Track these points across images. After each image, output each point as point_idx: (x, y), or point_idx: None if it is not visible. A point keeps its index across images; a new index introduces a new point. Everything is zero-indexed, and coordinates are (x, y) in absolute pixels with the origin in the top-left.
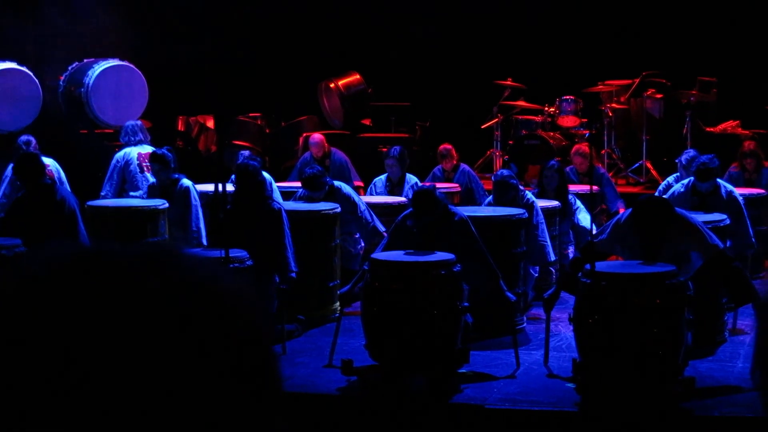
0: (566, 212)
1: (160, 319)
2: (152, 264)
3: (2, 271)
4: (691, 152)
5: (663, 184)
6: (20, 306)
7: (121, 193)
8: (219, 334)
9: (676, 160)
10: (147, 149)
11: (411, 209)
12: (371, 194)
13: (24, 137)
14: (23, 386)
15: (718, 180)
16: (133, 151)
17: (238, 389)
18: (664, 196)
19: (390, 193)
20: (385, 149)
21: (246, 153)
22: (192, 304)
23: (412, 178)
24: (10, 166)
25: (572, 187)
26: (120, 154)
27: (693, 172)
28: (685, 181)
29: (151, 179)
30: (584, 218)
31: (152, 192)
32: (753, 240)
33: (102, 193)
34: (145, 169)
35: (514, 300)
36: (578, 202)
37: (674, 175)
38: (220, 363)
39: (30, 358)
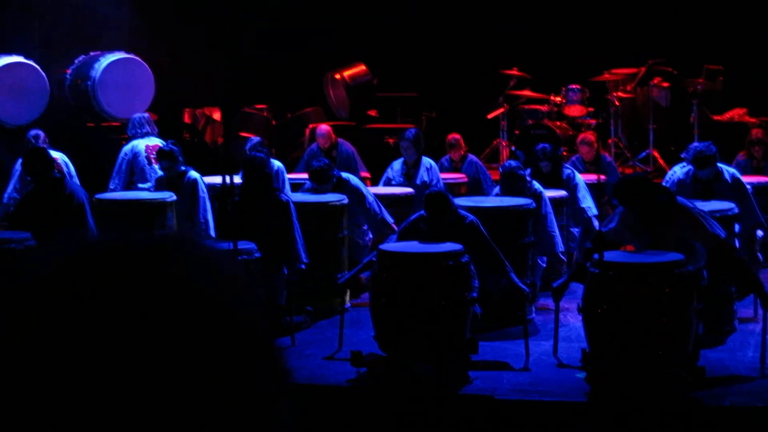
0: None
1: (171, 312)
2: (162, 254)
3: (20, 264)
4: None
5: (669, 173)
6: (37, 299)
7: (129, 185)
8: (229, 323)
9: (681, 155)
10: (154, 141)
11: (423, 212)
12: (388, 177)
13: (33, 131)
14: (43, 380)
15: (720, 165)
16: (141, 144)
17: (245, 380)
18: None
19: (406, 176)
20: (391, 140)
21: (256, 140)
22: (204, 293)
23: (427, 161)
24: (20, 160)
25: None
26: (127, 147)
27: (691, 160)
28: (686, 169)
29: (159, 172)
30: (583, 197)
31: (160, 184)
32: (762, 219)
33: (111, 186)
34: (152, 161)
35: (527, 291)
36: (578, 177)
37: (680, 164)
38: (230, 354)
39: (47, 353)
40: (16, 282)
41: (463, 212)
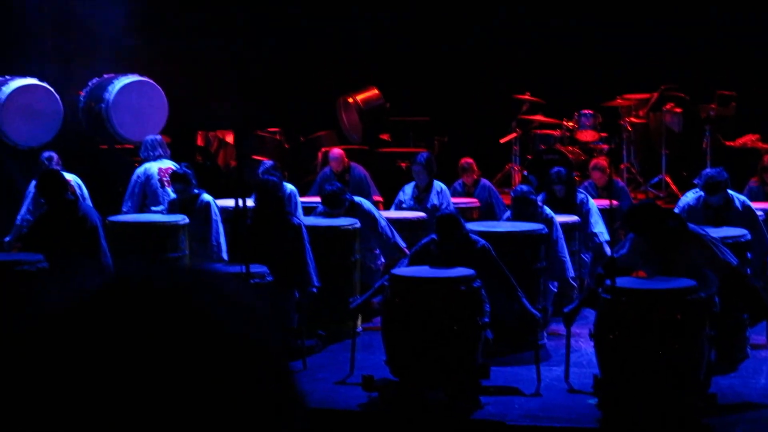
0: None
1: (190, 347)
2: (181, 289)
3: (38, 297)
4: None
5: (682, 198)
6: (58, 337)
7: (142, 208)
8: (248, 356)
9: (694, 181)
10: (167, 164)
11: (435, 235)
12: (399, 200)
13: (46, 153)
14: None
15: (731, 192)
16: (154, 167)
17: (262, 409)
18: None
19: (417, 199)
20: (404, 164)
21: (269, 163)
22: (223, 327)
23: (438, 185)
24: (33, 182)
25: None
26: (140, 170)
27: (701, 186)
28: (697, 195)
29: (172, 194)
30: (596, 222)
31: (173, 207)
32: None
33: (124, 209)
34: (165, 184)
35: (539, 317)
36: (591, 203)
37: (694, 190)
38: (248, 385)
39: (67, 390)
40: (35, 317)
41: (474, 237)
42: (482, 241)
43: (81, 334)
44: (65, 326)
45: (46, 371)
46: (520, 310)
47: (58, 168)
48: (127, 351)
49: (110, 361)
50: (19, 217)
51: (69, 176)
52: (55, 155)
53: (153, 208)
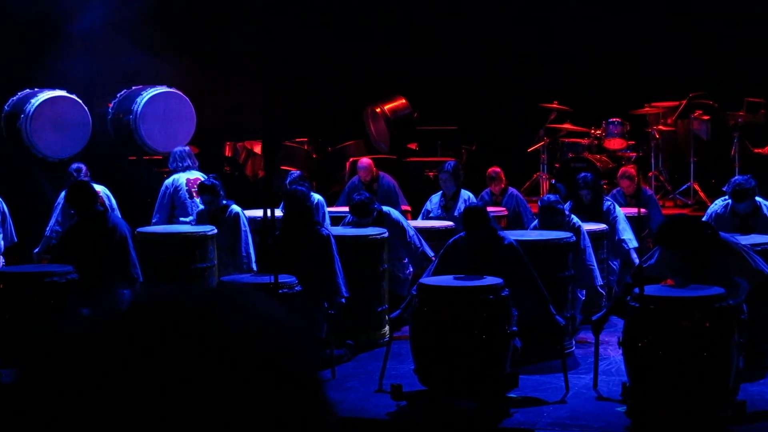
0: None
1: (223, 366)
2: (213, 308)
3: (70, 317)
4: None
5: (711, 206)
6: (89, 358)
7: (170, 219)
8: (280, 374)
9: (724, 188)
10: (195, 175)
11: (462, 233)
12: (427, 209)
13: (75, 165)
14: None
15: (759, 200)
16: (182, 177)
17: (294, 423)
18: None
19: (444, 207)
20: (432, 173)
21: (296, 173)
22: (256, 346)
23: (466, 193)
24: (62, 193)
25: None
26: (169, 181)
27: (729, 193)
28: (726, 203)
29: (200, 205)
30: (623, 229)
31: (201, 218)
32: None
33: (154, 221)
34: (193, 194)
35: (563, 324)
36: (617, 210)
37: (723, 197)
38: (280, 400)
39: (99, 410)
40: (67, 337)
41: (502, 234)
42: (509, 238)
43: (111, 351)
44: (96, 342)
45: (77, 384)
46: (544, 316)
47: (87, 179)
48: (157, 368)
49: (141, 377)
50: (48, 229)
51: (98, 187)
52: (83, 167)
53: (182, 219)
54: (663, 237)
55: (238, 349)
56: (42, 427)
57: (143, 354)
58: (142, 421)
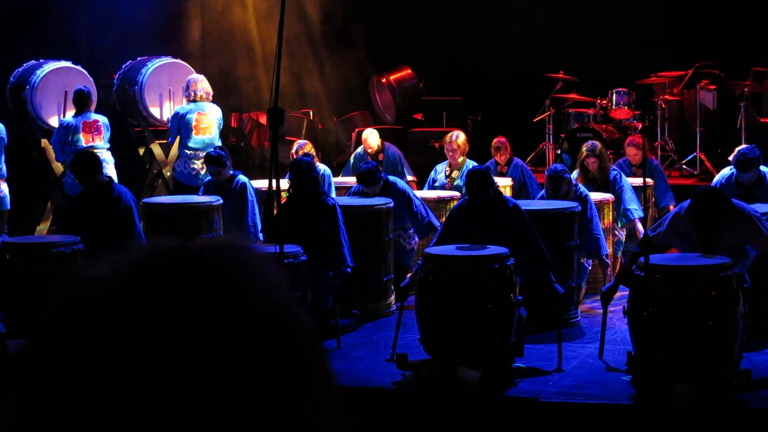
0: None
1: (221, 312)
2: (212, 256)
3: (75, 272)
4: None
5: (718, 176)
6: (93, 306)
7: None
8: (277, 323)
9: (730, 158)
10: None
11: (466, 197)
12: (432, 179)
13: None
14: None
15: (763, 169)
16: (194, 110)
17: (291, 383)
18: (718, 188)
19: (450, 178)
20: (437, 144)
21: (302, 143)
22: (253, 294)
23: (471, 164)
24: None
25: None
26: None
27: (734, 162)
28: (728, 172)
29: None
30: (630, 199)
31: (208, 189)
32: None
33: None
34: (201, 130)
35: (562, 292)
36: (624, 180)
37: (729, 166)
38: (278, 355)
39: (103, 357)
40: (73, 288)
41: (506, 197)
42: (514, 201)
43: (115, 304)
44: (100, 296)
45: (82, 341)
46: (545, 281)
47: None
48: (161, 314)
49: (147, 326)
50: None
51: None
52: None
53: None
54: (700, 208)
55: (237, 297)
56: (52, 388)
57: (148, 300)
58: (150, 370)
